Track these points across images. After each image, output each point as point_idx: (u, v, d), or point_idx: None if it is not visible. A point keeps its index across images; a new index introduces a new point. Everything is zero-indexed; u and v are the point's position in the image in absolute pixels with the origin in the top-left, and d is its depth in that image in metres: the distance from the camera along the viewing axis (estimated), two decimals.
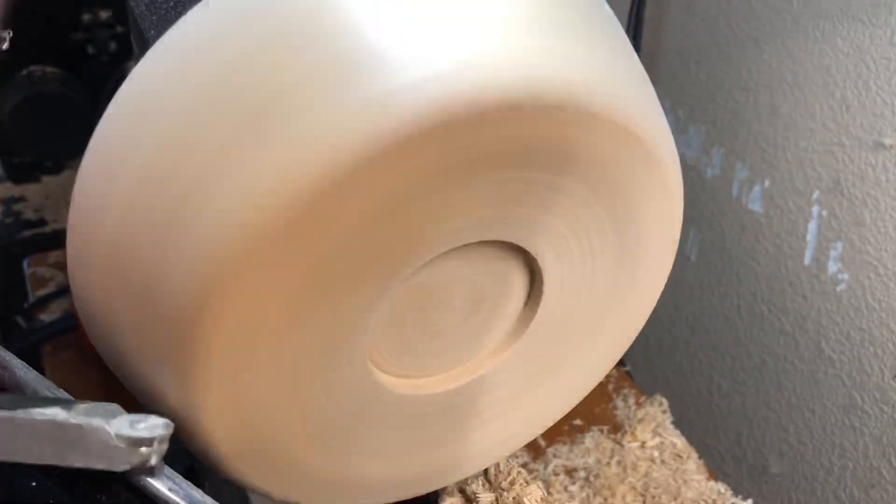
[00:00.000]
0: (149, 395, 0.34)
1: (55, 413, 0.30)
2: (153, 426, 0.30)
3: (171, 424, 0.31)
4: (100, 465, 0.30)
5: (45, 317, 0.72)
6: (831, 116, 0.63)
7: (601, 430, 0.65)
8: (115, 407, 0.31)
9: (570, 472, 0.61)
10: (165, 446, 0.31)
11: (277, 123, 0.29)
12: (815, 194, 0.66)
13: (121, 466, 0.30)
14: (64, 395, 0.34)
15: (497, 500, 0.45)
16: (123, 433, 0.30)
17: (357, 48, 0.29)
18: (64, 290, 0.73)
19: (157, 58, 0.31)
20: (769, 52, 0.67)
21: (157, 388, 0.33)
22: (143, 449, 0.30)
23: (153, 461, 0.30)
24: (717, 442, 0.81)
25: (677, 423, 0.65)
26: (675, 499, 0.59)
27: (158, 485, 0.32)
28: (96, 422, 0.30)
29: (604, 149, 0.34)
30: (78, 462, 0.30)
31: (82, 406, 0.31)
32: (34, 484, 0.33)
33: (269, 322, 0.31)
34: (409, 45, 0.29)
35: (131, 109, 0.31)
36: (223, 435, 0.33)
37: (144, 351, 0.33)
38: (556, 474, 0.61)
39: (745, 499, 0.59)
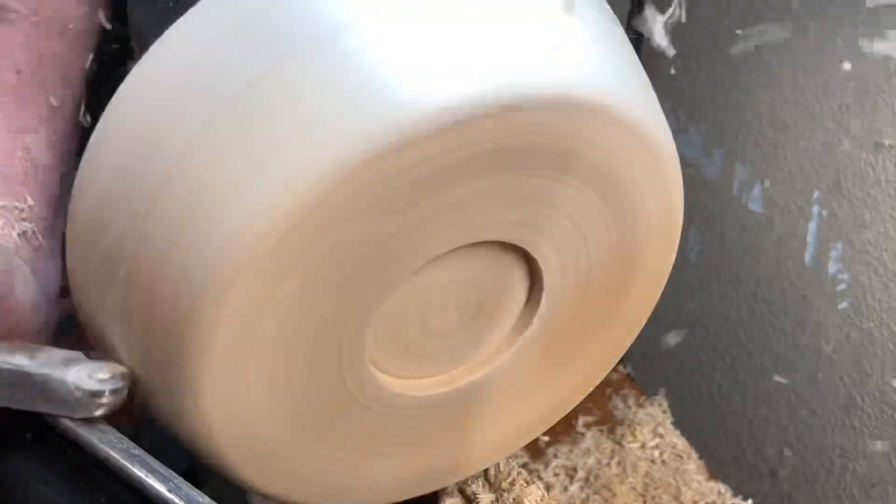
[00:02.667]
0: (149, 396, 0.34)
1: (20, 362, 0.32)
2: (110, 378, 0.32)
3: (128, 374, 0.33)
4: (61, 413, 0.32)
5: None
6: (831, 116, 0.63)
7: (601, 431, 0.65)
8: (77, 354, 0.33)
9: (570, 473, 0.61)
10: (122, 397, 0.33)
11: (283, 132, 0.29)
12: (815, 194, 0.65)
13: (80, 415, 0.32)
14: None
15: (497, 500, 0.45)
16: (83, 385, 0.31)
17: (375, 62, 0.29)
18: (64, 290, 0.72)
19: (160, 55, 0.31)
20: (769, 52, 0.67)
21: (158, 389, 0.33)
22: (101, 399, 0.32)
23: (105, 410, 0.32)
24: (717, 442, 0.81)
25: (677, 424, 0.65)
26: (675, 499, 0.59)
27: (158, 485, 0.32)
28: (57, 372, 0.32)
29: (604, 148, 0.34)
30: (41, 408, 0.32)
31: (46, 353, 0.32)
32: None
33: (269, 324, 0.31)
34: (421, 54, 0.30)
35: (130, 109, 0.31)
36: (223, 436, 0.33)
37: (145, 353, 0.33)
38: (556, 474, 0.61)
39: (745, 499, 0.59)
